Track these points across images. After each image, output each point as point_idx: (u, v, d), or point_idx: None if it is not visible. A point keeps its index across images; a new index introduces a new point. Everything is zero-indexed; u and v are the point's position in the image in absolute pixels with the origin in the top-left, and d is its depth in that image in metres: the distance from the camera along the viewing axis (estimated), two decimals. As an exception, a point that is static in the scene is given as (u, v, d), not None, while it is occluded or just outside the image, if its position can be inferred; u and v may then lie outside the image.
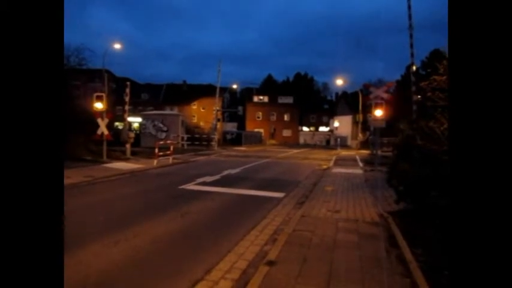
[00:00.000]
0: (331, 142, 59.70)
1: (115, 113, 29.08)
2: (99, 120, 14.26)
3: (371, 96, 16.81)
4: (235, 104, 65.29)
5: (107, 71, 25.05)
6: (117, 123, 35.36)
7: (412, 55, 11.78)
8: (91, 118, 14.53)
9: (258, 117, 64.44)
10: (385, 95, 18.13)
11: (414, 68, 13.04)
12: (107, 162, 13.83)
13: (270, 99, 65.60)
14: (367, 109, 27.19)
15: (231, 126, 59.06)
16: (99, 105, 14.29)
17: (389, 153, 19.24)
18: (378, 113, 17.56)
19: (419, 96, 12.13)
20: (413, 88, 11.55)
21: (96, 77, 24.72)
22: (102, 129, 14.31)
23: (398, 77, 33.78)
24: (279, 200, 8.02)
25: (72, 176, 10.14)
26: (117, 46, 23.63)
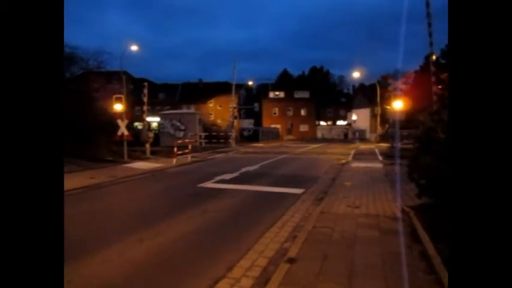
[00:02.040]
0: (349, 136, 58.96)
1: (134, 113, 29.67)
2: (119, 121, 14.58)
3: (389, 88, 16.48)
4: (251, 101, 65.31)
5: (125, 73, 25.53)
6: (136, 124, 36.05)
7: (431, 44, 11.46)
8: (111, 119, 14.88)
9: (275, 113, 64.25)
10: (403, 87, 17.76)
11: (434, 57, 12.68)
12: (127, 162, 14.14)
13: (286, 94, 65.25)
14: (386, 101, 26.68)
15: (248, 123, 59.16)
16: (118, 107, 14.62)
17: (410, 146, 18.89)
18: (397, 104, 17.21)
19: (440, 87, 11.80)
20: (433, 78, 11.24)
21: (114, 79, 25.23)
22: (122, 130, 14.62)
23: (417, 67, 32.86)
24: (297, 196, 8.00)
25: (96, 177, 10.44)
26: (134, 48, 24.00)
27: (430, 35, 11.11)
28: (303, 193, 8.34)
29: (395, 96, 16.60)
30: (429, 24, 10.98)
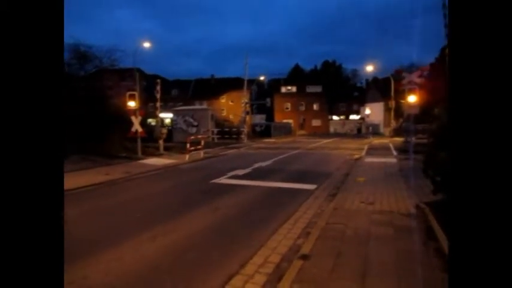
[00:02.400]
0: (362, 130, 58.23)
1: (147, 109, 30.00)
2: (132, 118, 14.77)
3: (404, 81, 16.15)
4: (263, 96, 65.10)
5: (138, 70, 25.78)
6: (149, 120, 36.44)
7: (447, 36, 11.17)
8: (125, 116, 15.09)
9: (287, 108, 63.95)
10: (418, 80, 17.38)
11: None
12: (141, 159, 14.33)
13: (298, 89, 64.81)
14: (400, 95, 26.22)
15: (260, 118, 59.07)
16: (131, 104, 14.79)
17: (425, 141, 18.56)
18: (412, 98, 16.90)
19: None
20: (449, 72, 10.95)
21: (127, 76, 25.57)
22: (136, 126, 14.81)
23: (433, 60, 32.15)
24: (310, 192, 7.97)
25: (110, 173, 10.62)
26: (147, 45, 24.20)
27: (446, 26, 10.83)
28: (316, 189, 8.30)
29: (410, 90, 16.25)
30: (445, 16, 10.70)
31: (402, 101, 21.98)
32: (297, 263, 3.75)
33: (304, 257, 3.91)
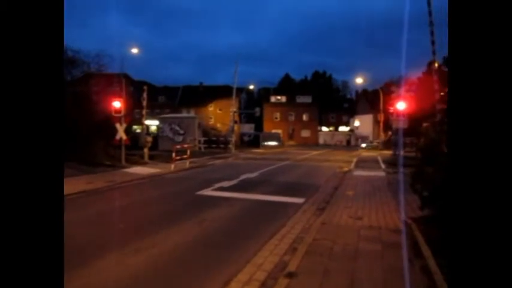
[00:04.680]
0: (351, 142, 58.94)
1: (133, 116, 29.70)
2: (117, 125, 14.62)
3: (393, 95, 16.52)
4: (252, 105, 65.43)
5: (125, 75, 25.59)
6: (135, 127, 36.06)
7: (433, 53, 11.48)
8: (110, 123, 14.91)
9: (276, 118, 64.31)
10: (407, 94, 17.82)
11: (436, 65, 12.72)
12: (125, 167, 14.14)
13: (287, 98, 65.36)
14: (389, 107, 26.69)
15: (248, 128, 59.20)
16: (117, 110, 14.64)
17: (413, 154, 18.88)
18: (401, 106, 17.26)
19: (442, 94, 11.81)
20: (436, 86, 11.25)
21: (114, 81, 25.29)
22: (121, 134, 14.66)
23: (420, 74, 32.97)
24: (298, 205, 7.98)
25: (93, 181, 10.44)
26: (134, 50, 24.09)
27: (433, 43, 11.14)
28: (304, 203, 8.31)
29: (398, 104, 16.65)
30: (431, 33, 11.02)
31: (391, 109, 22.36)
32: (283, 281, 3.73)
33: (291, 275, 3.90)
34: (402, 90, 16.06)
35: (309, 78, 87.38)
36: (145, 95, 17.93)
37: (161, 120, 31.59)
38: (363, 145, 45.00)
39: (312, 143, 57.17)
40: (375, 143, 44.58)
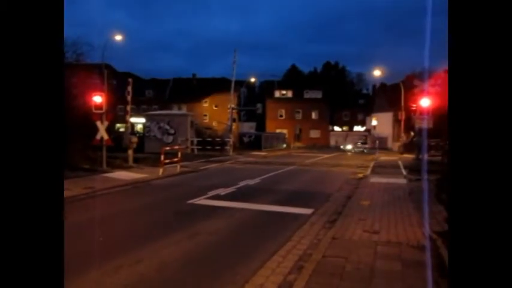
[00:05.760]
0: (367, 144, 58.81)
1: (116, 112, 29.81)
2: (98, 124, 14.64)
3: (416, 91, 16.50)
4: (253, 101, 65.51)
5: (107, 66, 25.74)
6: (118, 125, 36.19)
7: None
8: (89, 120, 14.94)
9: (281, 116, 64.35)
10: (432, 89, 17.80)
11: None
12: (107, 172, 14.16)
13: (294, 94, 65.41)
14: (411, 104, 26.70)
15: (249, 127, 59.39)
16: (98, 106, 14.65)
17: (438, 158, 18.86)
18: (425, 103, 17.26)
19: None
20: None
21: (94, 73, 25.39)
22: (102, 133, 14.67)
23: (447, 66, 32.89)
24: (306, 217, 7.98)
25: (70, 188, 10.44)
26: (118, 38, 24.21)
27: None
28: (312, 214, 8.32)
29: (422, 100, 16.62)
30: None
31: (413, 106, 22.32)
32: (288, 305, 3.72)
33: (296, 297, 3.89)
34: (427, 85, 16.03)
35: (318, 70, 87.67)
36: (130, 88, 17.96)
37: (148, 117, 31.68)
38: (348, 147, 43.98)
39: (323, 145, 57.14)
40: (366, 146, 43.69)
